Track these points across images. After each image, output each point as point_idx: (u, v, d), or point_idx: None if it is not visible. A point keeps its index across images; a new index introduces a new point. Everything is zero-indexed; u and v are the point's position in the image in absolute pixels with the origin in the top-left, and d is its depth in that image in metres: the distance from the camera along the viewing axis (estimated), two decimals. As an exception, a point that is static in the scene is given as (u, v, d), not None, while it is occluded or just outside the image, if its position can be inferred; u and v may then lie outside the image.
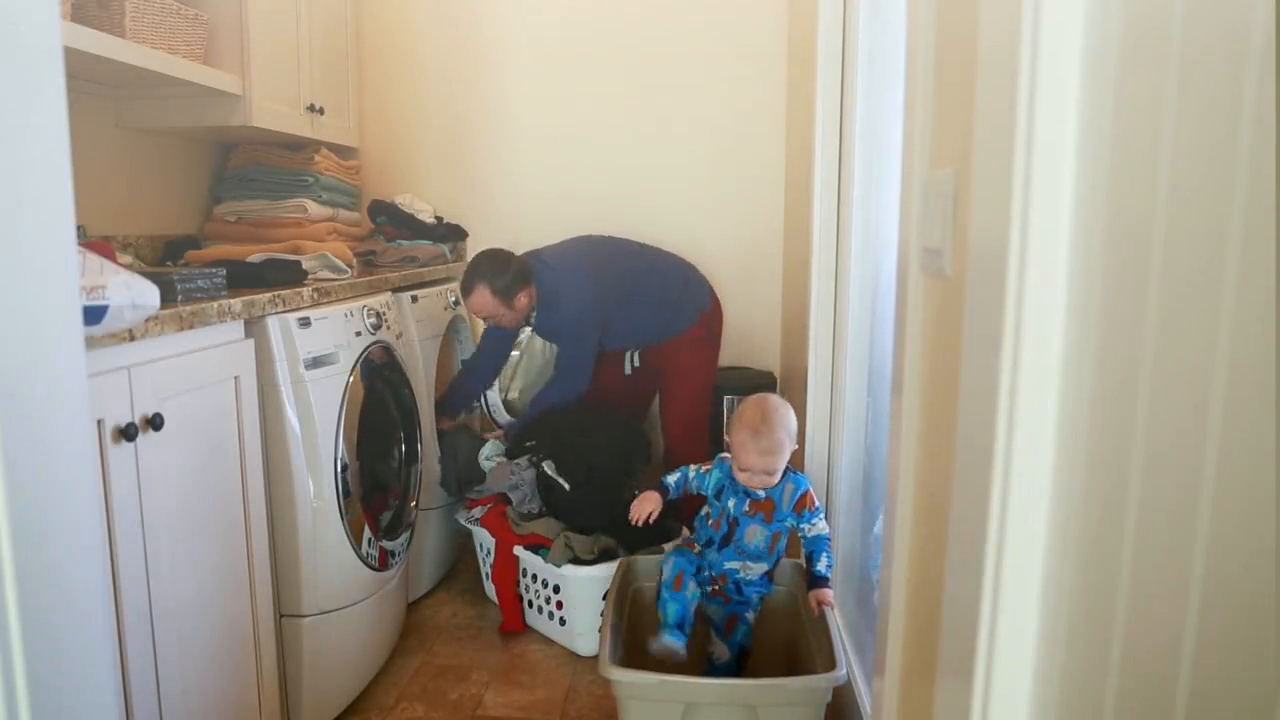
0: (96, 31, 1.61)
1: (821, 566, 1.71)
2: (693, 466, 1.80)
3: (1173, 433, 0.52)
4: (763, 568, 1.72)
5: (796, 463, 2.24)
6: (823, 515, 1.72)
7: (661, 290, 2.43)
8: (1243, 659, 0.47)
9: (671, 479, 1.80)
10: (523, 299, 2.26)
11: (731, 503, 1.70)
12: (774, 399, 1.72)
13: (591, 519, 2.16)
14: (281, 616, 1.69)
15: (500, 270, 2.23)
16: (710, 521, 1.74)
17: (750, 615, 1.76)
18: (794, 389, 2.38)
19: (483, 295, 2.23)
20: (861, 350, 1.81)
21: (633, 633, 1.79)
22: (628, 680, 1.48)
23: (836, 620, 1.65)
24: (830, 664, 1.49)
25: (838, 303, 1.89)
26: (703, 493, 1.76)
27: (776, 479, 1.67)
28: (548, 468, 2.22)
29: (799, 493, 1.69)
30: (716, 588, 1.74)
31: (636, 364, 2.53)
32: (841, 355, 1.85)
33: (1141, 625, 0.55)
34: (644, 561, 1.93)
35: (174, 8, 1.86)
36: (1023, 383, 0.65)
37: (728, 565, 1.71)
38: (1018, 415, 0.65)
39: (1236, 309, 0.47)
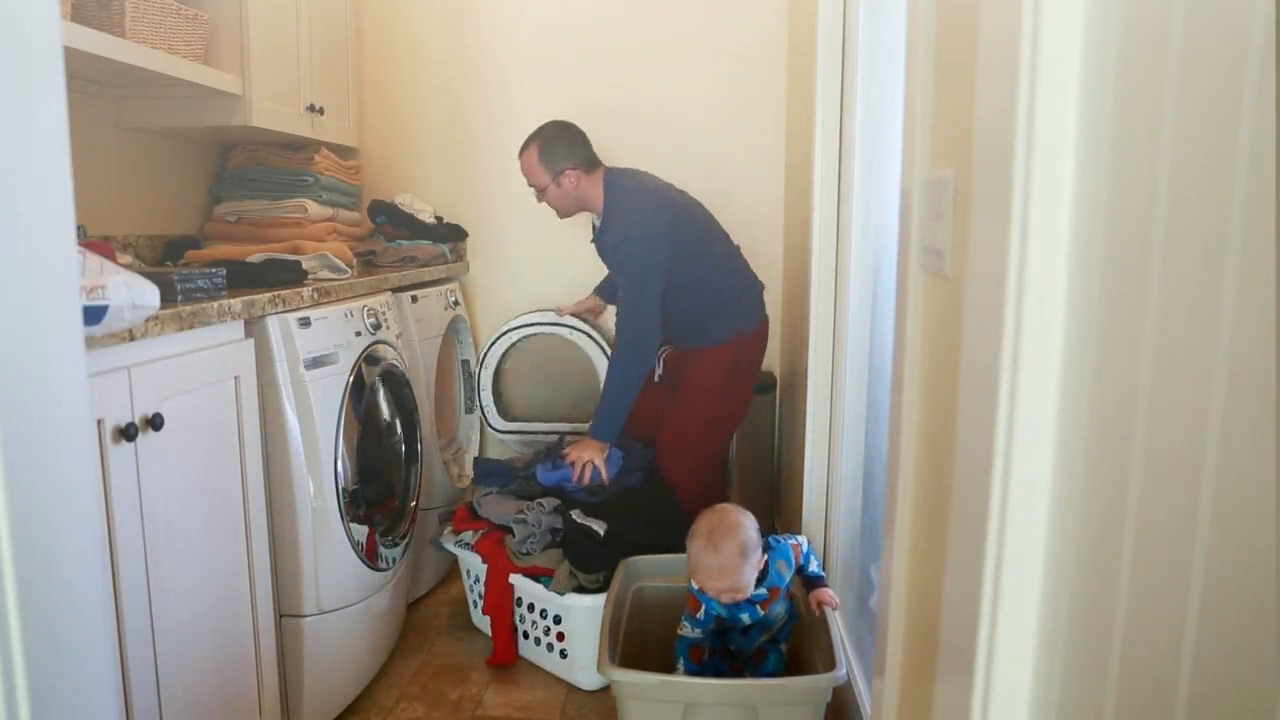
0: (96, 31, 1.61)
1: (814, 567, 1.72)
2: (682, 626, 1.65)
3: (1173, 432, 0.52)
4: (784, 616, 1.68)
5: (795, 476, 2.23)
6: (793, 539, 1.71)
7: (711, 290, 2.17)
8: (1243, 659, 0.47)
9: (680, 664, 1.64)
10: (570, 179, 2.15)
11: (745, 616, 1.63)
12: (727, 512, 1.59)
13: (612, 563, 1.94)
14: (281, 616, 1.69)
15: (559, 139, 2.14)
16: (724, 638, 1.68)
17: (783, 647, 1.70)
18: (794, 389, 2.38)
19: (530, 155, 2.16)
20: (861, 350, 1.81)
21: (632, 632, 1.79)
22: (628, 680, 1.48)
23: (836, 620, 1.65)
24: (830, 664, 1.48)
25: (838, 303, 1.89)
26: (709, 630, 1.65)
27: (748, 590, 1.56)
28: (576, 515, 2.03)
29: (790, 556, 1.66)
30: (753, 655, 1.70)
31: (661, 372, 2.29)
32: (841, 355, 1.84)
33: (1141, 625, 0.55)
34: (644, 562, 1.93)
35: (174, 8, 1.86)
36: (1023, 383, 0.65)
37: (759, 641, 1.67)
38: (1018, 415, 0.65)
39: (1237, 308, 0.46)
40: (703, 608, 1.63)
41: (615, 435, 2.14)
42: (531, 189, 2.23)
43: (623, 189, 2.18)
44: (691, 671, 1.64)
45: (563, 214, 2.27)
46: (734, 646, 1.69)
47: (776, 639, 1.69)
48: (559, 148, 2.14)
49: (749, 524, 1.58)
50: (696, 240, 2.20)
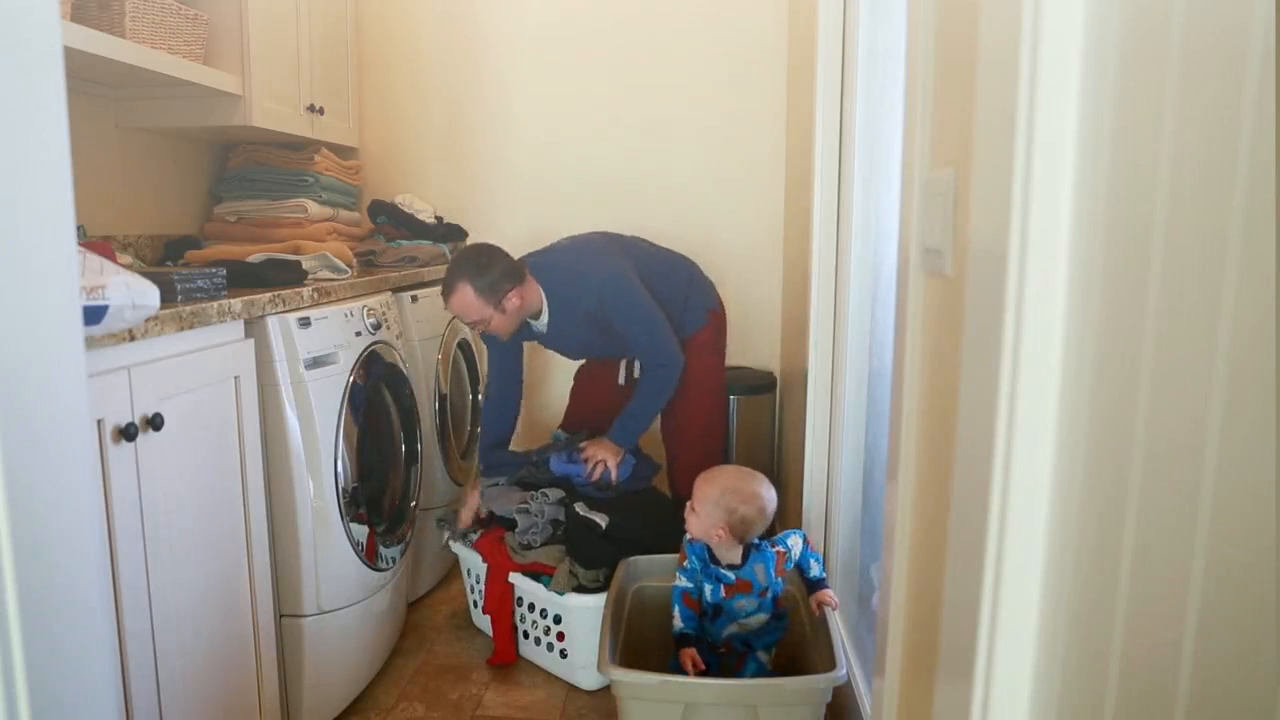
0: (96, 31, 1.61)
1: (815, 571, 1.71)
2: (677, 580, 1.68)
3: (1173, 432, 0.52)
4: (763, 618, 1.67)
5: (795, 476, 2.23)
6: (791, 539, 1.71)
7: (670, 288, 2.23)
8: (1243, 659, 0.47)
9: (678, 619, 1.65)
10: (514, 299, 2.00)
11: (708, 589, 1.66)
12: (764, 481, 1.69)
13: (612, 558, 1.95)
14: (281, 616, 1.69)
15: (485, 266, 1.96)
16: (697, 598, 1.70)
17: (763, 656, 1.69)
18: (794, 389, 2.38)
19: (464, 295, 1.96)
20: (861, 350, 1.81)
21: (632, 632, 1.78)
22: (628, 680, 1.48)
23: (837, 620, 1.65)
24: (830, 664, 1.49)
25: (838, 303, 1.89)
26: (699, 594, 1.68)
27: (701, 533, 1.65)
28: (580, 509, 2.03)
29: (770, 565, 1.66)
30: (723, 650, 1.70)
31: (636, 375, 2.28)
32: (841, 355, 1.84)
33: (1142, 625, 0.55)
34: (644, 562, 1.93)
35: (174, 8, 1.86)
36: (1023, 383, 0.65)
37: (726, 633, 1.68)
38: (1018, 415, 0.65)
39: (1236, 308, 0.47)
40: (689, 558, 1.69)
41: (633, 444, 2.18)
42: (469, 325, 2.06)
43: (553, 264, 2.11)
44: (687, 617, 1.66)
45: (508, 334, 2.11)
46: (708, 637, 1.70)
47: (751, 645, 1.69)
48: (491, 273, 1.96)
49: (764, 497, 1.65)
50: (631, 245, 2.29)
